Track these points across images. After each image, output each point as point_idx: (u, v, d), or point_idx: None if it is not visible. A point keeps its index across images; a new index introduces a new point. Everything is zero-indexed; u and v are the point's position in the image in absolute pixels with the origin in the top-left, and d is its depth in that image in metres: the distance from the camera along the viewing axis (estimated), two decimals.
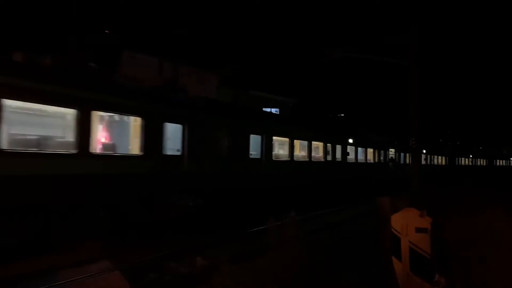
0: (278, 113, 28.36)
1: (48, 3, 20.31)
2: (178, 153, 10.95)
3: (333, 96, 39.43)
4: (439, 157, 44.31)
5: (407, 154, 29.70)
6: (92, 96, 8.83)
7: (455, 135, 67.00)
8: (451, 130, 64.64)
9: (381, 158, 27.03)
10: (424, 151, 37.80)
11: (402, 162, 30.85)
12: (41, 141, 8.33)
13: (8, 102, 7.45)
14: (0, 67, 7.61)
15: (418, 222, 4.71)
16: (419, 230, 4.67)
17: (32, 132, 8.51)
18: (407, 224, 4.76)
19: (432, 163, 41.01)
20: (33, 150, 8.00)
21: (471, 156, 65.84)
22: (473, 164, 65.67)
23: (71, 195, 8.39)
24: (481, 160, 74.10)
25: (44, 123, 8.88)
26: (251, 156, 14.00)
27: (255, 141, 14.20)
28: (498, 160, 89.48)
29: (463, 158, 58.84)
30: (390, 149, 28.45)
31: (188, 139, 11.10)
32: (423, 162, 35.64)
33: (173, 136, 10.83)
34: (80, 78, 9.04)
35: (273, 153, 15.32)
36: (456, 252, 5.81)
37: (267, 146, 14.74)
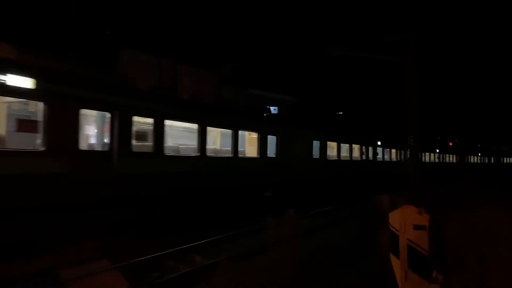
0: (276, 111, 28.29)
1: (47, 2, 20.28)
2: (274, 156, 15.54)
3: (333, 94, 39.30)
4: (451, 155, 50.37)
5: (424, 153, 37.00)
6: (241, 121, 13.88)
7: (453, 132, 66.92)
8: (449, 128, 64.60)
9: (402, 157, 31.53)
10: (438, 150, 43.73)
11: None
12: (226, 150, 13.65)
13: (209, 128, 12.46)
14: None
15: (416, 219, 4.71)
16: (417, 227, 4.66)
17: (221, 144, 14.42)
18: (405, 221, 4.76)
19: (444, 161, 46.78)
20: (223, 155, 13.43)
21: (479, 154, 70.42)
22: (481, 161, 70.68)
23: (235, 180, 13.45)
24: (489, 158, 79.30)
25: (217, 139, 14.37)
26: (313, 157, 18.49)
27: (315, 145, 18.69)
28: (505, 158, 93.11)
29: (472, 156, 65.90)
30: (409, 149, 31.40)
31: (279, 145, 15.69)
32: (436, 160, 42.76)
33: (271, 144, 15.32)
34: (234, 110, 14.60)
35: (327, 154, 19.93)
36: (454, 250, 5.82)
37: (323, 149, 19.36)
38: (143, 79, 14.55)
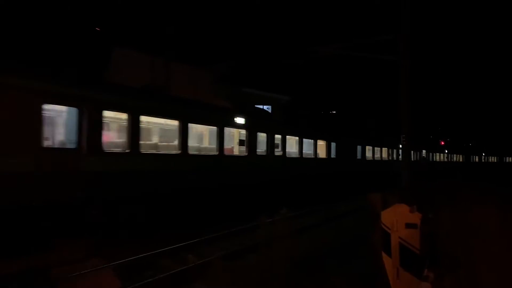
0: (270, 110, 28.34)
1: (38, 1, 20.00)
2: (334, 157, 22.49)
3: (326, 93, 39.34)
4: (458, 155, 60.24)
5: (436, 154, 46.44)
6: (318, 134, 21.10)
7: (446, 131, 67.27)
8: (442, 127, 64.98)
9: (417, 157, 38.70)
10: (446, 151, 52.96)
11: (431, 160, 44.00)
12: (309, 153, 20.44)
13: (304, 140, 19.44)
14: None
15: (408, 217, 4.73)
16: (408, 225, 4.69)
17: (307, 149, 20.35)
18: (397, 219, 4.78)
19: (452, 160, 56.04)
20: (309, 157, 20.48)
21: (483, 154, 77.56)
22: (485, 160, 78.32)
23: (315, 171, 20.56)
24: (492, 157, 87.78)
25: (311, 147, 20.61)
26: (357, 158, 25.95)
27: (359, 149, 26.16)
28: (507, 157, 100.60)
29: (476, 156, 78.02)
30: (423, 150, 40.92)
31: (336, 149, 22.70)
32: (444, 159, 52.04)
33: (332, 148, 22.31)
34: (313, 126, 23.99)
35: (366, 155, 27.24)
36: (446, 247, 5.84)
37: (363, 152, 26.84)
38: (135, 78, 14.45)
